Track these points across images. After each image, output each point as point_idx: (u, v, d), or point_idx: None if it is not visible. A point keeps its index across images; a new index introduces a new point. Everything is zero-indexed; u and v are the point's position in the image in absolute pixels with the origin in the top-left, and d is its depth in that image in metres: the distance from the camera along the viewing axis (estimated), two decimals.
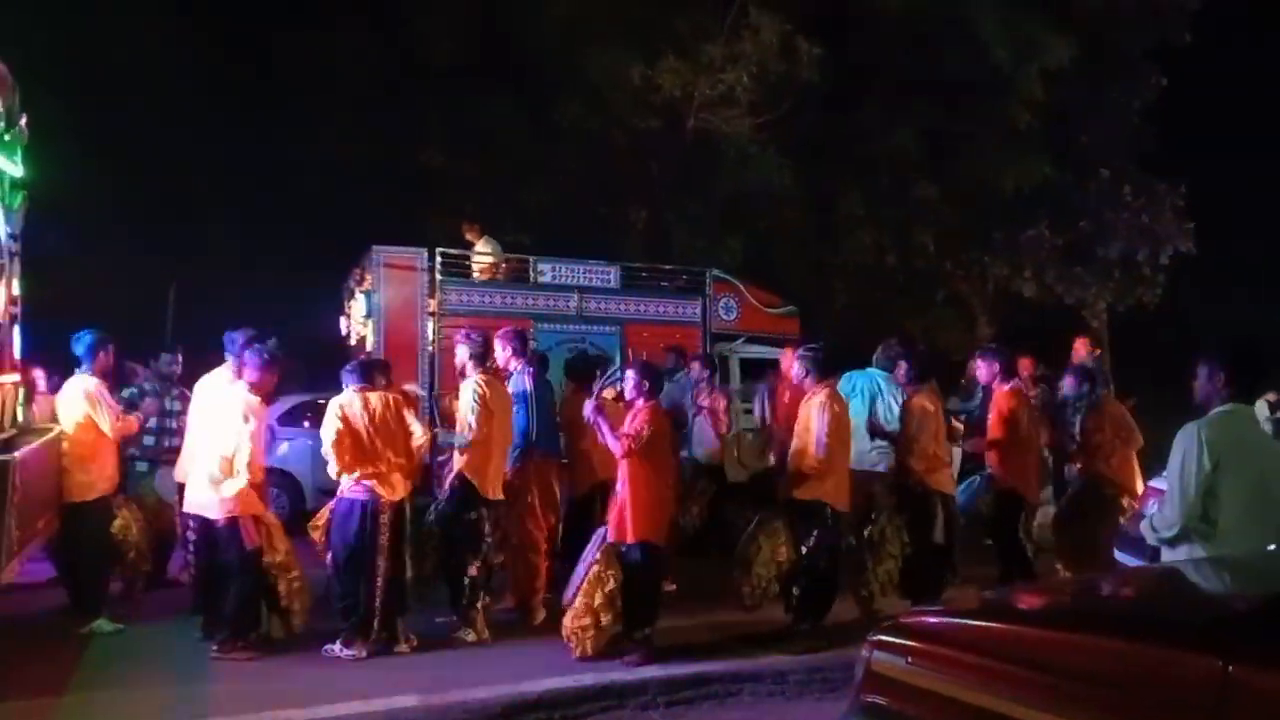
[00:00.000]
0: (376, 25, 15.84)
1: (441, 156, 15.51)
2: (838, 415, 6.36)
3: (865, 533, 6.81)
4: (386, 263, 9.19)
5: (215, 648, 6.09)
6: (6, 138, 5.42)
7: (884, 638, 3.28)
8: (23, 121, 5.64)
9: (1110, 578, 4.85)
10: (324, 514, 6.55)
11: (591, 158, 15.56)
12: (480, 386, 6.55)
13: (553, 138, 15.31)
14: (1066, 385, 7.92)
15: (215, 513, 6.05)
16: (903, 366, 7.15)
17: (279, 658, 6.11)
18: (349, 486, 6.16)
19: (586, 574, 5.99)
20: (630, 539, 5.96)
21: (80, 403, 6.49)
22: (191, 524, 6.32)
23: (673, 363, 8.49)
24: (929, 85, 15.79)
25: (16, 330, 5.72)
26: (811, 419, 6.35)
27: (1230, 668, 2.25)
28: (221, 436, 6.06)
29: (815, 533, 6.30)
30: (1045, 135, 16.40)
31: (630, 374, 6.43)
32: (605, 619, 5.96)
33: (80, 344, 6.69)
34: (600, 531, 6.20)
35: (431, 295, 9.29)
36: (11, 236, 5.60)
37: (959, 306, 18.39)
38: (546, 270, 9.87)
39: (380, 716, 5.12)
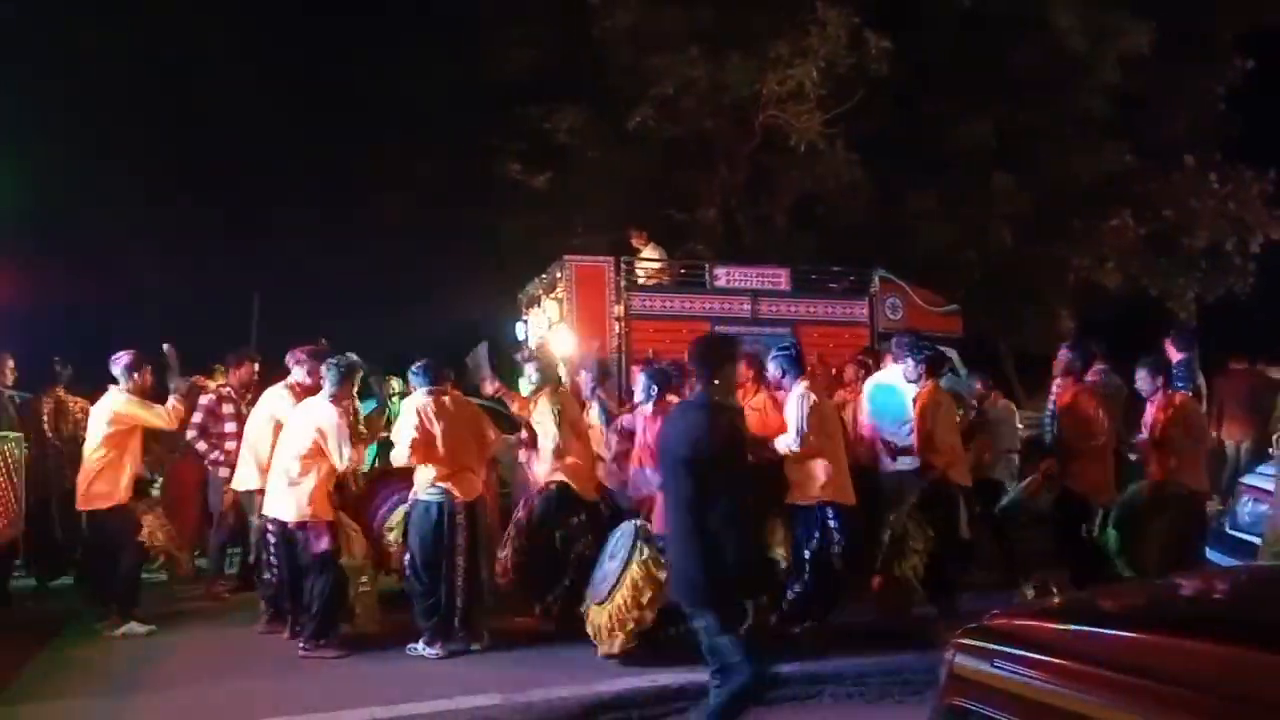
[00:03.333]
0: (452, 42, 16.15)
1: (514, 167, 15.71)
2: (816, 406, 6.19)
3: (888, 530, 6.70)
4: (576, 271, 9.41)
5: (303, 646, 6.26)
6: None
7: (968, 640, 3.23)
8: None
9: (1207, 578, 4.69)
10: (398, 516, 6.70)
11: (662, 162, 15.60)
12: (557, 398, 6.75)
13: (624, 144, 15.38)
14: (1139, 379, 7.67)
15: (291, 516, 6.23)
16: (909, 363, 7.02)
17: (364, 656, 6.28)
18: (424, 488, 6.26)
19: (624, 570, 5.89)
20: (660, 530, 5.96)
21: (111, 418, 6.70)
22: (270, 527, 6.50)
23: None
24: (1001, 75, 15.47)
25: None
26: (789, 413, 6.22)
27: None
28: (298, 444, 6.24)
29: (817, 535, 6.15)
30: (1125, 123, 15.94)
31: (640, 378, 6.45)
32: (650, 614, 5.86)
33: (117, 364, 6.87)
34: (625, 525, 6.14)
35: (617, 301, 9.47)
36: None
37: (1038, 300, 17.96)
38: (721, 274, 10.11)
39: (464, 714, 5.23)
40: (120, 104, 15.97)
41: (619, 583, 5.87)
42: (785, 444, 6.14)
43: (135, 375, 6.86)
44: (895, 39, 14.34)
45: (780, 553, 6.26)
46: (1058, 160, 15.90)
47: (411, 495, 6.42)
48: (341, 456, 6.19)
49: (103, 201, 15.64)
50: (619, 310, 9.58)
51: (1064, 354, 7.59)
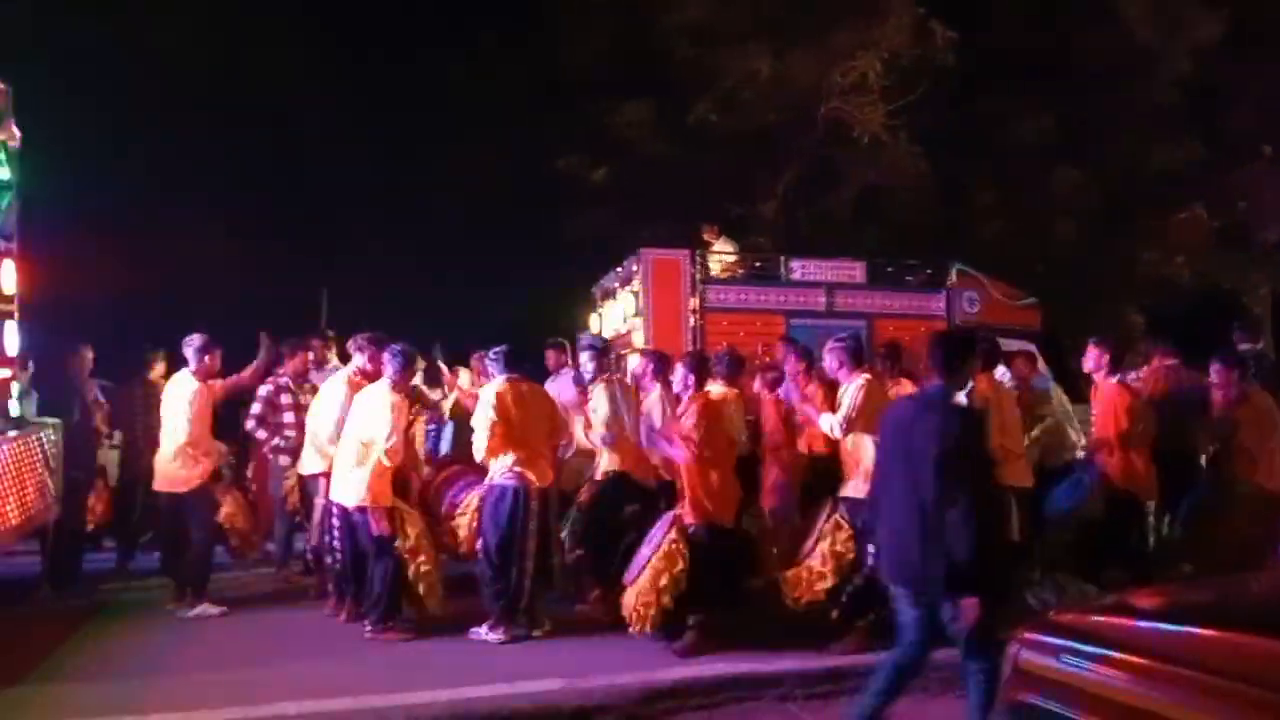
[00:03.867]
0: (514, 39, 16.33)
1: (576, 163, 15.82)
2: (871, 395, 6.09)
3: None
4: (654, 264, 9.56)
5: (369, 629, 6.40)
6: None
7: (1033, 635, 3.23)
8: (13, 127, 5.99)
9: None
10: (470, 501, 6.78)
11: (723, 156, 15.60)
12: (614, 386, 6.83)
13: (685, 139, 15.40)
14: (1213, 374, 7.44)
15: (352, 500, 6.38)
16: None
17: (428, 639, 6.37)
18: (500, 473, 6.36)
19: (654, 552, 5.99)
20: (694, 520, 6.01)
21: (183, 401, 6.88)
22: (335, 510, 6.62)
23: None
24: (1068, 67, 15.19)
25: (11, 326, 6.06)
26: (842, 399, 6.15)
27: None
28: (362, 429, 6.37)
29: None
30: (1195, 114, 15.55)
31: (679, 368, 6.46)
32: (667, 599, 5.93)
33: (189, 346, 7.06)
34: (667, 515, 6.20)
35: (693, 294, 9.58)
36: (1, 237, 5.96)
37: (1105, 295, 17.61)
38: (796, 267, 10.13)
39: (526, 699, 5.27)
40: (198, 106, 16.46)
41: (645, 567, 6.01)
42: (829, 424, 6.12)
43: (205, 358, 7.06)
44: (961, 27, 14.17)
45: (849, 547, 6.20)
46: (1126, 153, 15.57)
47: (487, 480, 6.48)
48: (386, 442, 6.25)
49: (181, 201, 16.13)
50: (694, 303, 9.64)
51: (1091, 350, 7.40)
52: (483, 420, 6.31)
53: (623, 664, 5.76)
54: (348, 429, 6.53)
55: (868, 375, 6.29)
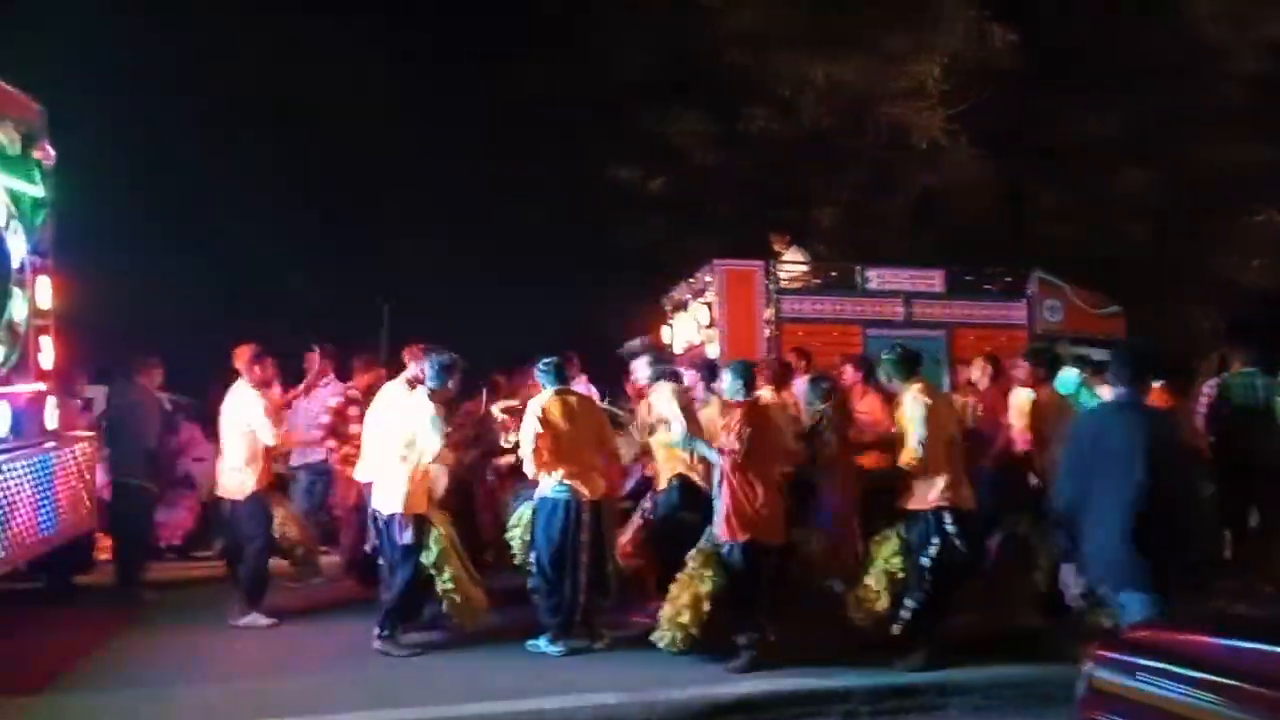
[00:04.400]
0: (568, 49, 16.46)
1: (630, 171, 15.88)
2: (931, 410, 6.04)
3: (1009, 542, 6.48)
4: (727, 274, 9.56)
5: (377, 641, 6.39)
6: (27, 161, 5.92)
7: (1108, 653, 3.16)
8: (47, 145, 6.12)
9: None
10: (523, 514, 6.80)
11: (777, 162, 15.54)
12: (676, 394, 6.74)
13: (739, 147, 15.36)
14: None
15: (385, 507, 6.43)
16: (1023, 367, 6.79)
17: (484, 651, 6.40)
18: (551, 486, 6.37)
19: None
20: (728, 538, 5.91)
21: (240, 412, 7.05)
22: (376, 517, 6.67)
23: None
24: (1132, 66, 14.85)
25: (47, 340, 6.18)
26: (905, 422, 6.09)
27: None
28: (395, 437, 6.44)
29: (934, 541, 5.95)
30: (1266, 113, 15.08)
31: (726, 375, 6.40)
32: (687, 619, 5.87)
33: (240, 359, 7.24)
34: (709, 530, 6.12)
35: (768, 304, 9.59)
36: (35, 253, 6.07)
37: (1174, 299, 17.16)
38: (873, 276, 10.06)
39: (588, 711, 5.30)
40: (262, 116, 16.88)
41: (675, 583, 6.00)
42: (908, 459, 6.00)
43: (256, 368, 7.22)
44: (1021, 29, 13.94)
45: (896, 563, 6.14)
46: (1193, 153, 15.15)
47: (537, 493, 6.51)
48: (424, 451, 6.29)
49: (247, 217, 16.54)
50: (769, 313, 9.59)
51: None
52: (528, 433, 6.33)
53: (686, 678, 5.75)
54: (386, 436, 6.58)
55: (919, 385, 6.21)
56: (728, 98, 15.24)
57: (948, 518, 5.97)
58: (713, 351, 9.43)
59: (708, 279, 9.81)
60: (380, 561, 6.76)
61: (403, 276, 16.55)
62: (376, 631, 6.37)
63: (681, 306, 10.64)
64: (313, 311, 15.50)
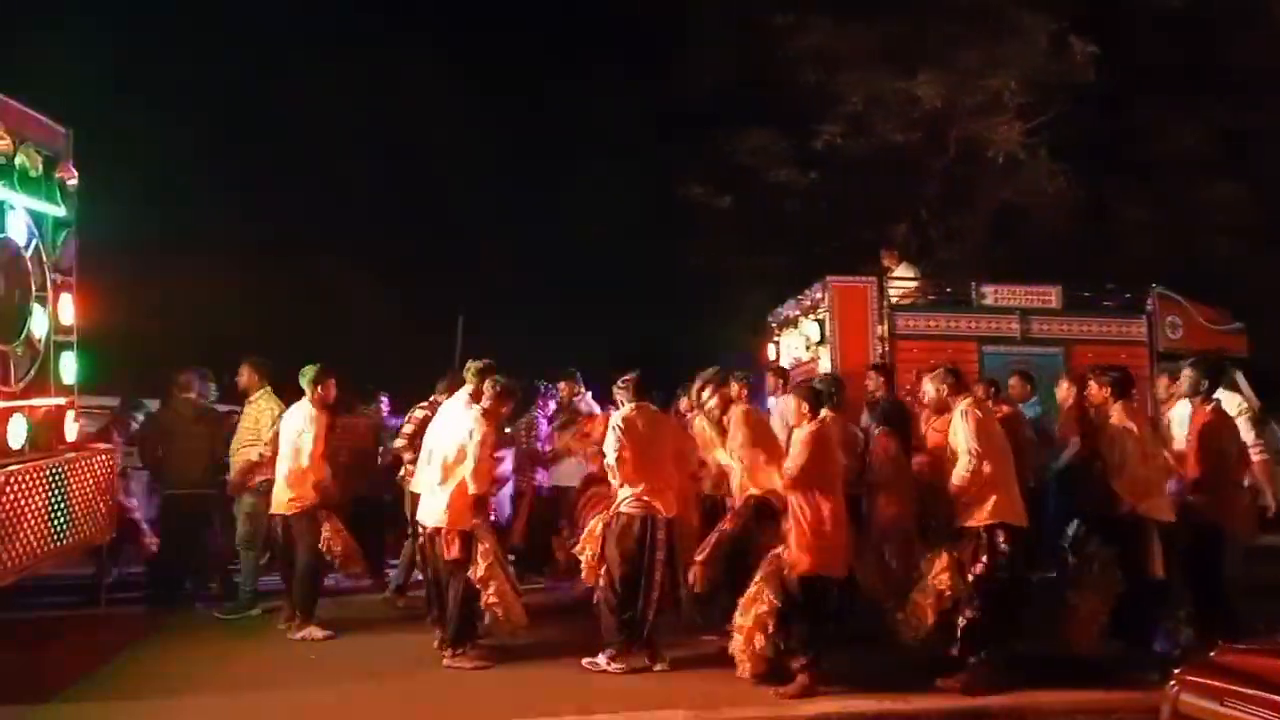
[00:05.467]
0: (638, 70, 16.64)
1: (700, 190, 15.92)
2: (982, 421, 5.92)
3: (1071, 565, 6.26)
4: (839, 291, 9.62)
5: (446, 656, 6.40)
6: (50, 182, 6.07)
7: (1194, 677, 3.04)
8: (70, 166, 6.27)
9: None
10: (594, 529, 6.65)
11: (850, 179, 15.43)
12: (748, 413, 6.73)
13: (813, 164, 15.30)
14: None
15: (431, 522, 6.47)
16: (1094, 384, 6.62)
17: (547, 665, 6.38)
18: (627, 502, 6.34)
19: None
20: (791, 572, 5.77)
21: (296, 429, 7.16)
22: (422, 531, 6.71)
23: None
24: (1222, 76, 14.40)
25: (70, 356, 6.31)
26: (956, 432, 5.95)
27: None
28: (444, 451, 6.48)
29: (985, 559, 5.80)
30: None
31: (789, 397, 6.31)
32: (759, 641, 5.76)
33: (304, 378, 7.35)
34: (773, 552, 5.99)
35: (881, 321, 9.62)
36: (57, 270, 6.21)
37: (1268, 316, 16.52)
38: (988, 293, 9.97)
39: None
40: (335, 140, 17.38)
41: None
42: (961, 474, 5.88)
43: (319, 389, 7.33)
44: (1102, 41, 13.63)
45: (944, 580, 5.97)
46: None
47: (613, 509, 6.47)
48: (471, 470, 6.30)
49: (326, 232, 17.01)
50: (882, 330, 9.54)
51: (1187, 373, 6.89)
52: (612, 446, 6.33)
53: (752, 699, 5.67)
54: (434, 450, 6.63)
55: (969, 399, 6.13)
56: (800, 116, 15.19)
57: (1000, 535, 5.84)
58: (824, 368, 9.36)
59: (817, 295, 9.74)
60: (422, 574, 6.82)
61: (476, 292, 16.84)
62: (449, 650, 6.39)
63: (790, 323, 10.56)
64: (387, 327, 15.83)
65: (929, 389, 6.43)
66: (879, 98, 14.36)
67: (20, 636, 6.90)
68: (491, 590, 6.35)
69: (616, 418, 6.48)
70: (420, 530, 6.72)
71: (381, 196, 18.26)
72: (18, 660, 6.38)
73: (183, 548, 8.26)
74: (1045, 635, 6.27)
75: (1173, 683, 3.08)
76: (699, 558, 6.55)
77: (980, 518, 5.86)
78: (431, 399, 8.21)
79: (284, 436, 7.28)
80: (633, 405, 6.50)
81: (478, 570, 6.35)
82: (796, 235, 15.80)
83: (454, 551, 6.33)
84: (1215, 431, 6.45)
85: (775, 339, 10.86)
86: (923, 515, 6.48)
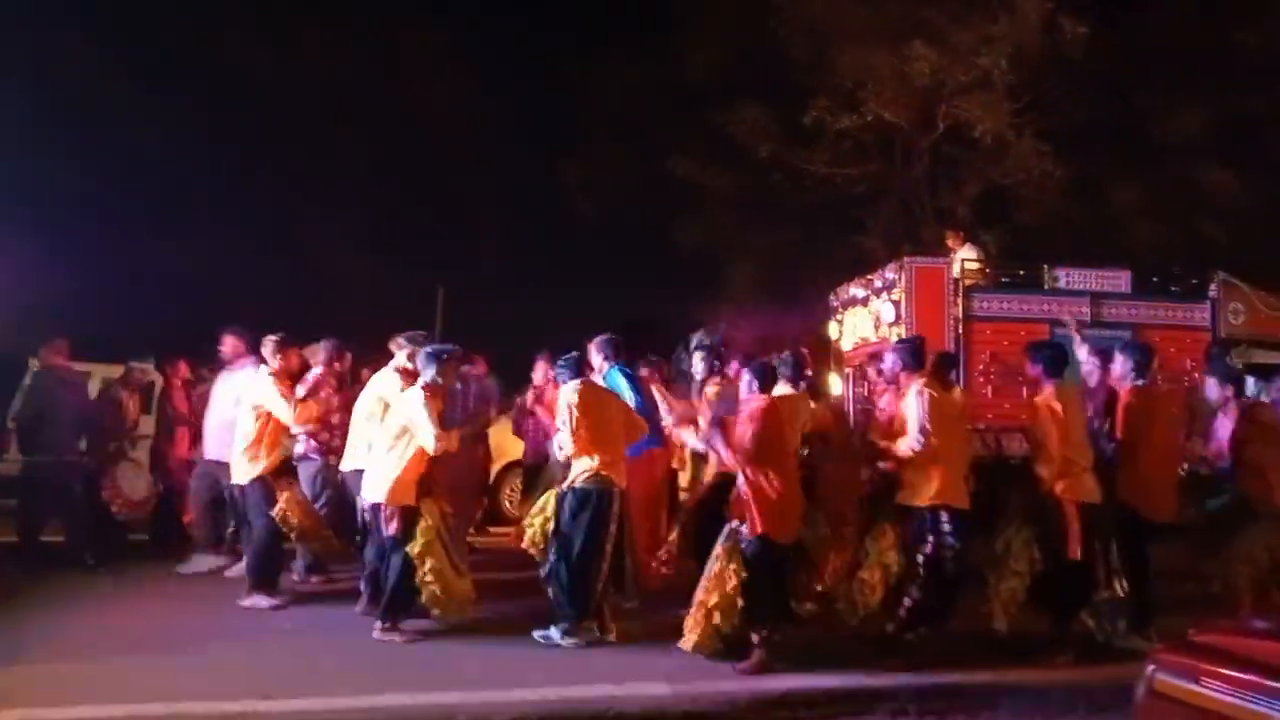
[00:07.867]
0: (636, 47, 16.54)
1: (691, 166, 15.83)
2: (936, 401, 5.92)
3: (995, 546, 6.28)
4: (916, 271, 9.62)
5: (376, 628, 6.32)
6: None
7: (1171, 656, 3.03)
8: None
9: None
10: (544, 505, 6.52)
11: (840, 158, 15.36)
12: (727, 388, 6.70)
13: (801, 141, 15.22)
14: (1207, 388, 7.00)
15: (371, 497, 6.41)
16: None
17: (502, 641, 6.28)
18: (584, 476, 6.26)
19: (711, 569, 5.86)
20: (748, 533, 5.77)
21: (255, 395, 7.11)
22: (365, 506, 6.65)
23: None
24: (1227, 61, 14.37)
25: None
26: (908, 412, 5.96)
27: None
28: (385, 426, 6.44)
29: (930, 539, 5.85)
30: None
31: (744, 373, 6.28)
32: (718, 619, 5.74)
33: (266, 345, 7.32)
34: (728, 526, 5.97)
35: (956, 302, 9.62)
36: None
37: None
38: (1061, 276, 9.97)
39: (634, 702, 5.19)
40: (329, 116, 17.28)
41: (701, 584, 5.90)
42: (908, 446, 5.91)
43: (279, 358, 7.29)
44: (1104, 23, 13.56)
45: (892, 557, 6.07)
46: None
47: (566, 484, 6.38)
48: (430, 439, 6.18)
49: (313, 206, 16.90)
50: (957, 311, 9.56)
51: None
52: (565, 418, 6.28)
53: (728, 671, 5.65)
54: (379, 425, 6.59)
55: (924, 380, 6.12)
56: (792, 92, 15.10)
57: (943, 516, 5.88)
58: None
59: (892, 275, 9.70)
60: (366, 550, 6.77)
61: (459, 264, 16.78)
62: (377, 623, 6.31)
63: (855, 303, 10.45)
64: (370, 296, 15.76)
65: (888, 362, 6.44)
66: (869, 74, 14.27)
67: None
68: (427, 567, 6.26)
69: (569, 391, 6.40)
70: (364, 506, 6.67)
71: (368, 165, 18.11)
72: None
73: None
74: (971, 614, 6.23)
75: (1149, 663, 3.06)
76: (671, 537, 6.55)
77: (925, 498, 5.91)
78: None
79: (242, 402, 7.24)
80: (577, 381, 6.43)
81: (415, 546, 6.26)
82: (785, 214, 15.76)
83: (392, 527, 6.26)
84: (1135, 411, 6.48)
85: (838, 318, 10.81)
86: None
